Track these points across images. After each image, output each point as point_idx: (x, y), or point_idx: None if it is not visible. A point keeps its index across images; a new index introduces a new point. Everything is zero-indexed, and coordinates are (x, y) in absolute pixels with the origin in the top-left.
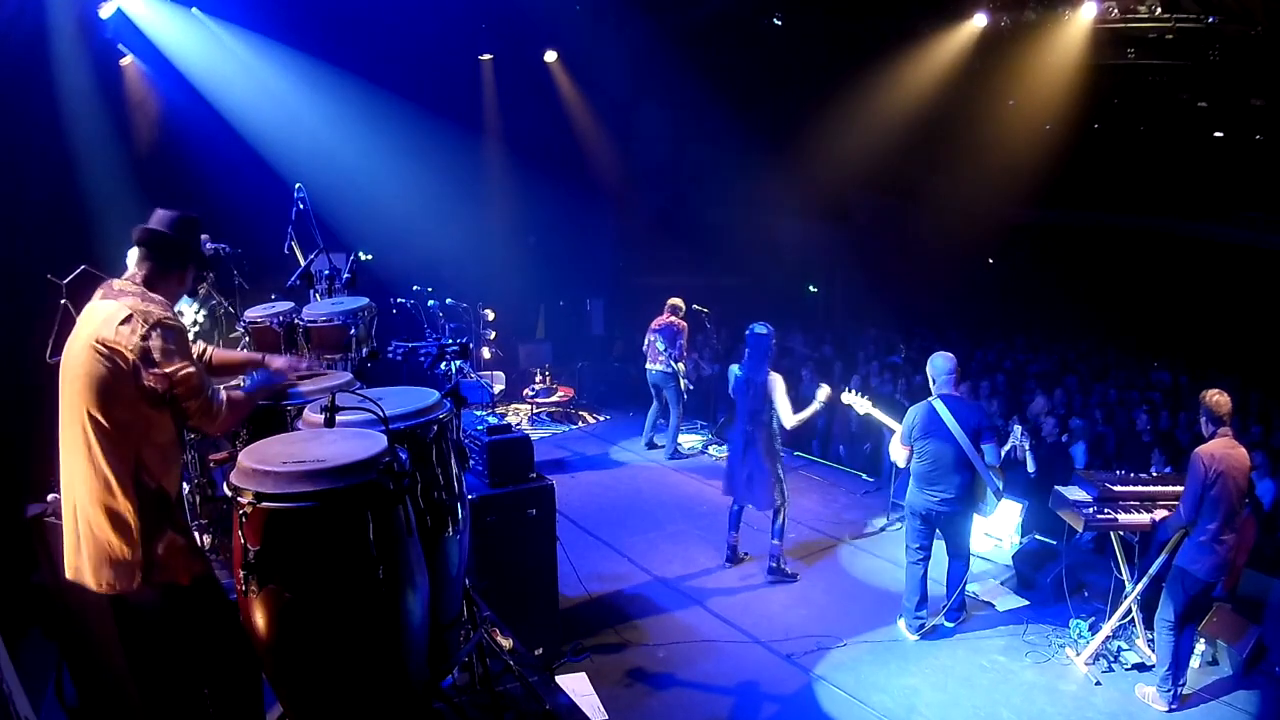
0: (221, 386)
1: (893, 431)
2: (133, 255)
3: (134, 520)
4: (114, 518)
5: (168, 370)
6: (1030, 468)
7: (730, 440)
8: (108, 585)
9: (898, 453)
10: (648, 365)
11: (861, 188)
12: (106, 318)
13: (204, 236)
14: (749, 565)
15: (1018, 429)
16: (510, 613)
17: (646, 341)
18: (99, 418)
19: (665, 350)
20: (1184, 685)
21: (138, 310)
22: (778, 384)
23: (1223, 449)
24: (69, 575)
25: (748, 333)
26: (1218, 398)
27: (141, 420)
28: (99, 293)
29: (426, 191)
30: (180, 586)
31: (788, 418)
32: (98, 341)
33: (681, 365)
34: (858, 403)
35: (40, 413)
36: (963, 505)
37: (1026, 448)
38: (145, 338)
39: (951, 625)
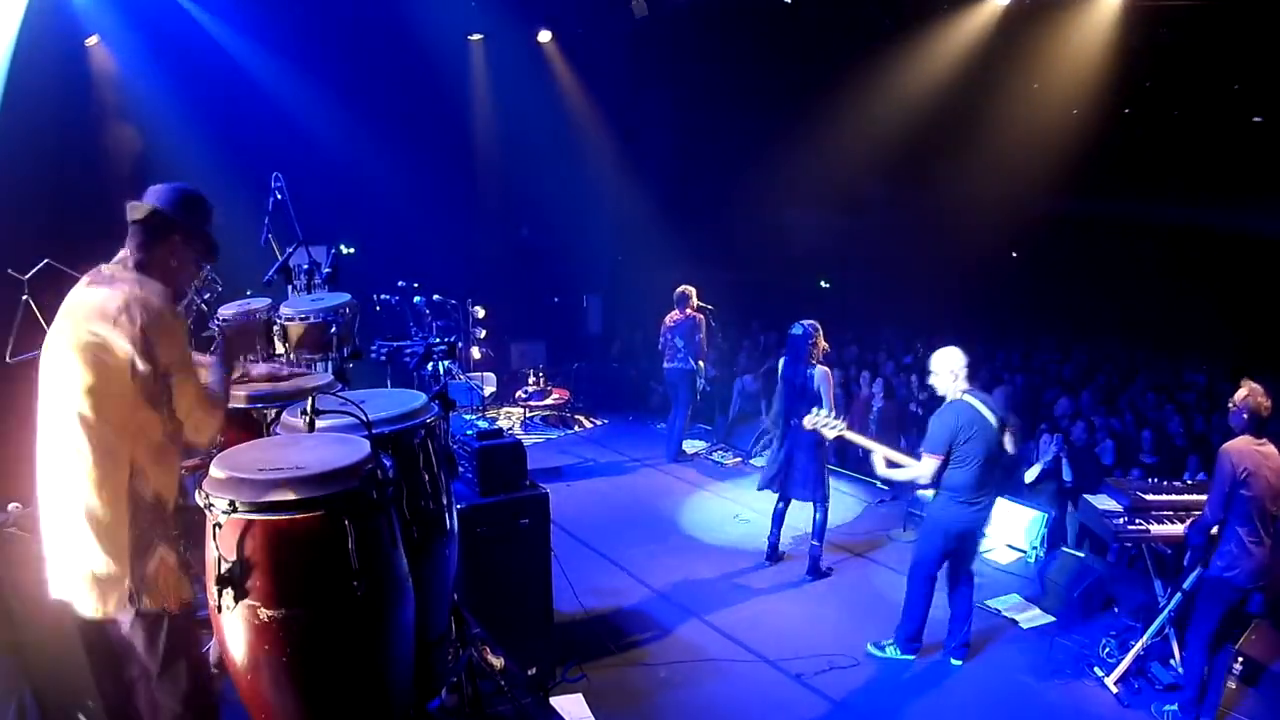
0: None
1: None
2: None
3: (125, 532)
4: (103, 530)
5: (167, 364)
6: (1067, 476)
7: (777, 439)
8: (98, 610)
9: (924, 466)
10: (665, 364)
11: (877, 177)
12: (98, 307)
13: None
14: (755, 577)
15: (1054, 438)
16: (502, 630)
17: (662, 341)
18: (91, 418)
19: (684, 347)
20: (1218, 707)
21: (135, 297)
22: (825, 379)
23: (1250, 445)
24: (54, 595)
25: (788, 334)
26: (1262, 400)
27: (136, 420)
28: (85, 279)
29: (412, 180)
30: (167, 614)
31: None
32: (90, 333)
33: (701, 363)
34: (828, 426)
35: None
36: (991, 511)
37: (1063, 458)
38: (145, 329)
39: (959, 664)
